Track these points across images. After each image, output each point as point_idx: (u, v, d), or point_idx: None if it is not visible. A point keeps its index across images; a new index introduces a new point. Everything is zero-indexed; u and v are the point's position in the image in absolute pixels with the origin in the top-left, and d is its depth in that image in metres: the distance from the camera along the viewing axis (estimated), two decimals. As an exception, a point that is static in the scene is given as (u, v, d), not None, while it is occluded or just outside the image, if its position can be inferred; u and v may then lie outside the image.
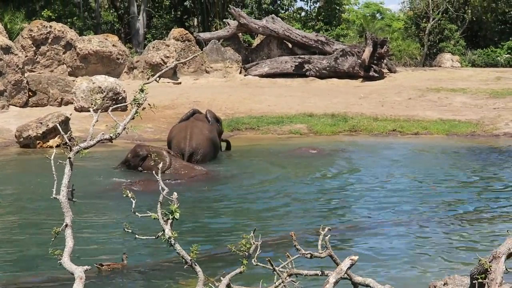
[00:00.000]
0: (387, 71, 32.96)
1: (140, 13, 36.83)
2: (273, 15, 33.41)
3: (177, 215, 5.30)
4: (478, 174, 13.88)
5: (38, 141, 17.62)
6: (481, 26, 43.88)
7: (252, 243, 5.73)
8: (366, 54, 30.61)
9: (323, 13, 37.76)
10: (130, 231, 5.44)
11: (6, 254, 8.33)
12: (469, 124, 20.88)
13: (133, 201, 5.45)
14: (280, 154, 16.52)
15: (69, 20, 33.58)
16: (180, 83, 30.13)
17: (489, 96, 25.65)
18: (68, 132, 18.12)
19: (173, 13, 39.58)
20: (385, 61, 32.89)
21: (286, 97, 25.79)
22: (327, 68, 31.33)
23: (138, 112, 6.03)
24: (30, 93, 22.80)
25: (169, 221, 5.30)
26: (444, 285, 6.09)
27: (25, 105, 22.45)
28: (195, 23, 38.02)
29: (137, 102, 6.00)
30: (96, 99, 7.52)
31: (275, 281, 5.66)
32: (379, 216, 10.25)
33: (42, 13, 33.38)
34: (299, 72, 31.61)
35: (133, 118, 6.11)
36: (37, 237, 8.83)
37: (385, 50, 31.31)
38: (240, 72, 32.16)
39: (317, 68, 31.45)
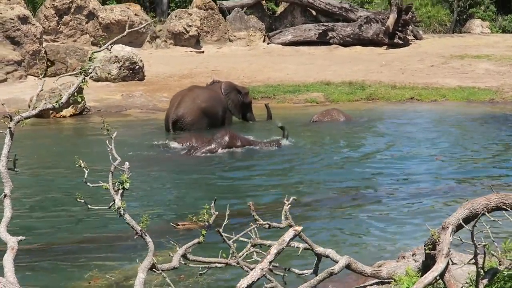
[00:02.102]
0: (413, 38, 32.51)
1: (163, -19, 36.62)
2: (296, -18, 33.03)
3: (127, 185, 5.26)
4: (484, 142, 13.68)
5: (51, 111, 17.64)
6: (512, -9, 42.97)
7: (212, 213, 5.71)
8: (390, 21, 30.17)
9: (348, -21, 37.20)
10: (82, 201, 5.39)
11: None
12: (489, 91, 20.56)
13: (86, 171, 5.40)
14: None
15: (92, -11, 33.47)
16: (203, 52, 30.04)
17: (513, 62, 25.23)
18: (82, 102, 18.22)
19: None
20: (410, 27, 32.43)
21: (306, 65, 25.59)
22: (351, 36, 30.98)
23: (85, 81, 5.88)
24: (48, 63, 22.87)
25: (120, 191, 5.26)
26: (412, 255, 6.00)
27: (43, 75, 22.52)
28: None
29: (83, 71, 5.85)
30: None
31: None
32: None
33: (65, -17, 33.34)
34: (322, 40, 31.29)
35: (79, 88, 5.96)
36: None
37: (410, 16, 30.83)
38: (264, 41, 31.93)
39: (340, 36, 31.13)
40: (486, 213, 4.84)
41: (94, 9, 29.60)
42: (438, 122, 16.45)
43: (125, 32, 6.26)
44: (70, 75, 6.76)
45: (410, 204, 9.09)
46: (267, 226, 5.60)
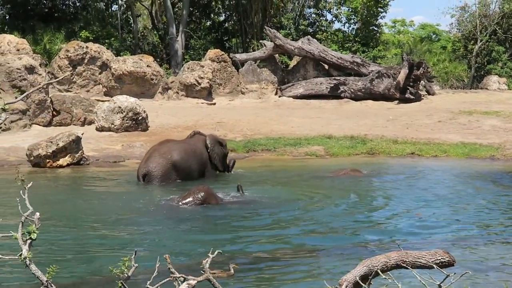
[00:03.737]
0: (425, 93, 32.53)
1: (178, 34, 37.16)
2: (309, 36, 33.31)
3: (34, 236, 5.29)
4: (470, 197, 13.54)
5: (48, 160, 17.80)
6: (530, 48, 43.00)
7: (132, 265, 5.70)
8: (401, 76, 30.23)
9: (360, 35, 37.49)
10: None
11: None
12: (490, 147, 20.39)
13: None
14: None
15: (106, 41, 34.11)
16: (214, 103, 30.29)
17: (521, 119, 25.10)
18: (80, 151, 18.31)
19: (213, 34, 39.82)
20: (423, 82, 32.49)
21: (312, 118, 25.65)
22: (362, 90, 31.07)
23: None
24: (54, 112, 23.18)
25: (28, 241, 5.29)
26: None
27: (48, 124, 22.83)
28: (235, 44, 38.21)
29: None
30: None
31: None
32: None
33: (81, 34, 34.02)
34: (334, 94, 31.43)
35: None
36: None
37: (422, 72, 30.85)
38: (276, 93, 32.14)
39: (352, 90, 31.23)
40: (381, 271, 4.79)
41: (108, 60, 30.04)
42: (428, 178, 16.32)
43: (20, 97, 6.26)
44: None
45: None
46: (182, 279, 5.58)
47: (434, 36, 58.48)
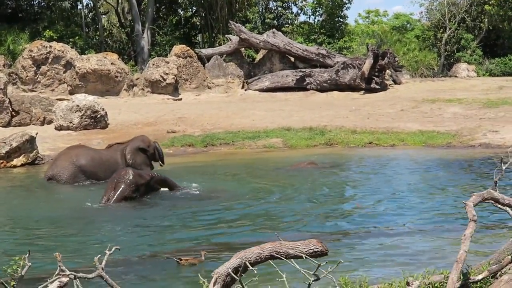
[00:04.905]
0: (392, 82, 32.61)
1: (144, 31, 37.08)
2: (274, 29, 33.31)
3: None
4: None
5: (1, 161, 17.69)
6: (498, 35, 43.10)
7: (26, 264, 5.68)
8: (366, 66, 30.29)
9: (326, 26, 37.51)
10: None
11: None
12: (447, 135, 20.41)
13: None
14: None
15: (71, 40, 33.96)
16: (180, 99, 30.23)
17: (482, 106, 25.16)
18: (34, 151, 18.19)
19: (180, 30, 39.72)
20: (389, 72, 32.57)
21: (275, 111, 25.63)
22: (328, 81, 31.10)
23: None
24: (13, 112, 23.03)
25: None
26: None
27: (7, 124, 22.69)
28: (202, 39, 38.17)
29: None
30: None
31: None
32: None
33: (45, 34, 33.85)
34: (300, 86, 31.45)
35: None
36: None
37: (386, 61, 30.91)
38: (243, 87, 32.13)
39: (318, 81, 31.25)
40: (255, 263, 4.79)
41: (72, 58, 29.93)
42: (380, 168, 16.33)
43: None
44: None
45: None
46: (72, 276, 5.56)
47: (408, 25, 58.57)
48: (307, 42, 35.73)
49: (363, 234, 9.81)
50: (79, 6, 39.43)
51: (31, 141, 18.16)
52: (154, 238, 9.84)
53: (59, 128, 22.14)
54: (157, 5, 40.18)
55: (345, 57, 32.68)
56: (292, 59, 33.07)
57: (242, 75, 32.44)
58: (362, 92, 30.44)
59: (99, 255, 5.69)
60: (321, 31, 37.23)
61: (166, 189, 12.80)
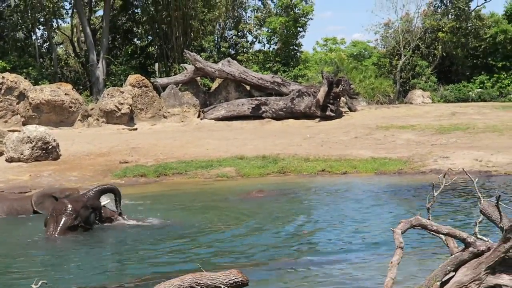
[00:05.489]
0: (347, 110, 32.84)
1: (99, 61, 36.99)
2: (229, 58, 33.47)
3: None
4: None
5: None
6: (452, 62, 43.87)
7: None
8: (320, 94, 30.50)
9: (281, 54, 37.79)
10: None
11: None
12: (399, 161, 20.52)
13: None
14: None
15: (24, 70, 33.77)
16: (136, 129, 30.11)
17: (435, 132, 25.46)
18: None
19: (136, 59, 39.72)
20: (344, 99, 32.82)
21: (229, 140, 25.62)
22: (284, 109, 31.22)
23: None
24: (-38, 143, 22.74)
25: None
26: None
27: (-44, 157, 22.37)
28: (157, 68, 38.16)
29: None
30: None
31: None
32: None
33: (-3, 64, 33.70)
34: (255, 114, 31.52)
35: None
36: None
37: (341, 89, 31.13)
38: (199, 116, 32.13)
39: (273, 110, 31.36)
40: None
41: (25, 89, 29.72)
42: (329, 196, 16.36)
43: None
44: None
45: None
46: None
47: (366, 53, 59.14)
48: (262, 71, 35.94)
49: (292, 262, 9.84)
50: (33, 37, 39.21)
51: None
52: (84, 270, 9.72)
53: (10, 160, 21.86)
54: (113, 34, 40.14)
55: (300, 85, 32.88)
56: (248, 87, 33.18)
57: (198, 104, 32.44)
58: (317, 119, 30.60)
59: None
60: (276, 59, 37.51)
61: (108, 200, 12.73)
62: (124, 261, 10.29)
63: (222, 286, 4.78)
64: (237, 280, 4.89)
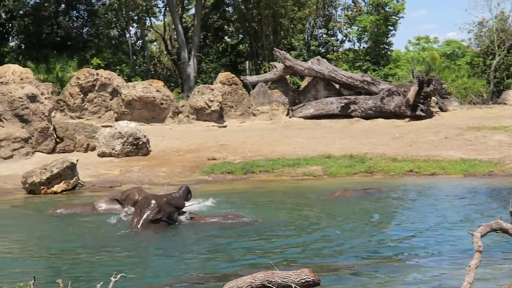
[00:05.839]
0: (438, 110, 32.30)
1: (190, 59, 37.49)
2: (318, 56, 33.40)
3: None
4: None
5: (42, 187, 17.96)
6: (549, 61, 42.51)
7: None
8: (411, 94, 30.10)
9: (371, 53, 37.47)
10: None
11: None
12: (489, 163, 20.11)
13: None
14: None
15: (118, 67, 34.53)
16: (225, 126, 30.39)
17: (529, 134, 24.80)
18: (75, 177, 18.44)
19: (226, 57, 40.10)
20: (435, 99, 32.29)
21: (318, 138, 25.58)
22: (373, 108, 30.97)
23: None
24: (58, 139, 23.40)
25: None
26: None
27: (52, 151, 23.04)
28: (247, 66, 38.42)
29: None
30: None
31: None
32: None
33: (92, 61, 34.48)
34: (344, 113, 31.37)
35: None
36: None
37: (432, 88, 30.65)
38: (287, 114, 32.18)
39: (362, 109, 31.15)
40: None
41: (118, 86, 30.38)
42: (417, 197, 16.17)
43: None
44: None
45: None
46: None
47: (459, 52, 58.04)
48: (352, 69, 35.74)
49: (385, 264, 9.73)
50: (127, 35, 40.10)
51: (72, 167, 18.44)
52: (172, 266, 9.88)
53: (102, 155, 22.42)
54: (204, 32, 40.65)
55: (390, 84, 32.54)
56: (337, 86, 33.05)
57: (287, 102, 32.51)
58: (407, 119, 30.22)
59: (101, 283, 5.76)
60: (366, 58, 37.24)
61: (192, 203, 13.15)
62: (210, 258, 10.41)
63: (293, 285, 4.79)
64: (308, 279, 4.91)
